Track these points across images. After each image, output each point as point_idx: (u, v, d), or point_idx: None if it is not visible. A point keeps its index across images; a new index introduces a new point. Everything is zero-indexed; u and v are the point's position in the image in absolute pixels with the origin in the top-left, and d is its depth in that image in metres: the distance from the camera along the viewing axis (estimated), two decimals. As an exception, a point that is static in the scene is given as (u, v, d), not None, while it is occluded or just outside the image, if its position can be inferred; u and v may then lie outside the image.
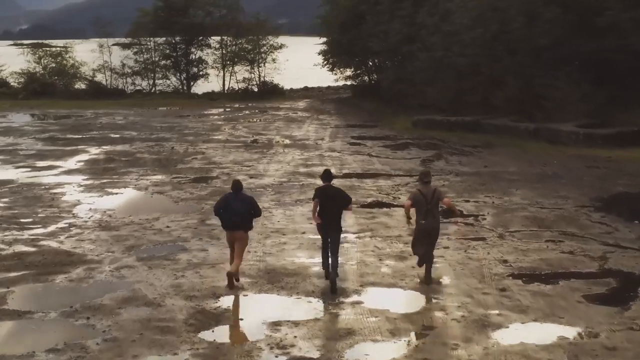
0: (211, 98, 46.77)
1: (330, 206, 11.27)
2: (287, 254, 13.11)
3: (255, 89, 48.13)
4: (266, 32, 48.95)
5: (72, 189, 19.19)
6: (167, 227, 15.16)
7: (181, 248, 13.57)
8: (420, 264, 11.38)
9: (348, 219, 15.35)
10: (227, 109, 41.44)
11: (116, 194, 18.73)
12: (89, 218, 16.00)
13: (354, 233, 14.38)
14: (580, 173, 21.00)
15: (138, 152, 25.71)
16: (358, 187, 19.12)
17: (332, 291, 10.90)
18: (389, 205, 16.90)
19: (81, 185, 19.72)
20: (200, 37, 51.21)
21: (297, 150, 25.99)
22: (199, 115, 37.79)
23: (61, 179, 20.66)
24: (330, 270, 11.15)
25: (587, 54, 28.78)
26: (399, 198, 17.64)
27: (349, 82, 48.76)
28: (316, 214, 11.32)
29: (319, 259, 12.19)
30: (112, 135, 30.11)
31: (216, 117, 37.43)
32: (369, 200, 17.59)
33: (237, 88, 49.28)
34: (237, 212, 11.25)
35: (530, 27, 29.86)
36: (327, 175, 11.66)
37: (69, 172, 21.89)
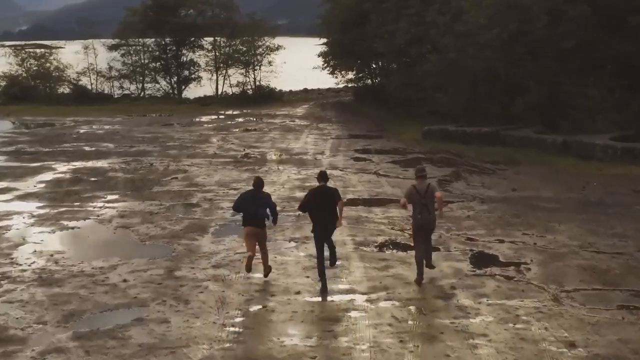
0: (203, 103, 43.53)
1: (324, 208, 11.24)
2: (274, 329, 9.82)
3: (250, 94, 44.77)
4: (262, 33, 45.67)
5: (20, 222, 15.90)
6: (124, 281, 11.86)
7: (136, 317, 10.27)
8: (419, 279, 11.44)
9: (355, 271, 12.10)
10: (219, 116, 38.16)
11: (72, 228, 15.45)
12: (29, 266, 12.71)
13: (363, 293, 11.08)
14: (629, 199, 17.71)
15: (111, 169, 22.43)
16: (366, 219, 15.84)
17: (331, 263, 11.62)
18: (405, 248, 13.59)
19: (33, 216, 16.42)
20: (192, 38, 48.01)
21: (294, 167, 22.72)
22: (188, 124, 34.51)
23: (11, 207, 17.36)
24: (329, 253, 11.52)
25: (619, 57, 25.55)
26: (417, 236, 14.38)
27: (350, 85, 45.54)
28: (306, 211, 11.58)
29: (319, 340, 8.99)
30: (86, 149, 26.82)
31: (206, 125, 34.12)
32: (380, 239, 14.29)
33: (231, 92, 46.03)
34: (257, 209, 11.45)
35: (554, 27, 26.61)
36: (323, 176, 11.59)
37: (24, 197, 18.59)
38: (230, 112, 40.35)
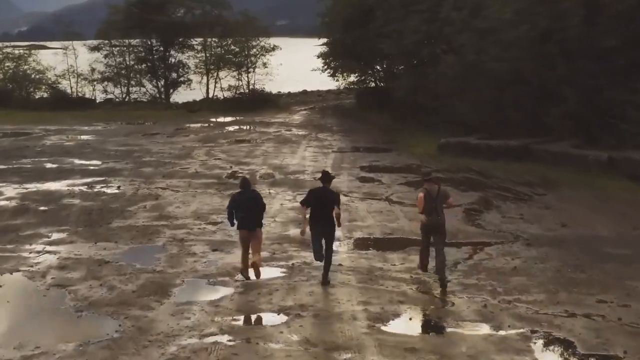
0: (191, 109, 39.66)
1: (324, 208, 11.05)
2: None
3: (243, 99, 40.87)
4: (256, 32, 41.78)
5: None
6: (31, 392, 8.03)
7: None
8: (422, 266, 11.65)
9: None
10: (208, 124, 34.30)
11: (-10, 287, 11.60)
12: None
13: None
14: None
15: (69, 194, 18.56)
16: (380, 273, 12.00)
17: (323, 281, 11.16)
18: (440, 327, 9.73)
19: (-57, 267, 12.58)
20: (181, 38, 44.11)
21: (289, 191, 18.90)
22: (171, 134, 30.63)
23: None
24: (324, 260, 11.18)
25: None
26: (453, 303, 10.55)
27: (352, 87, 41.69)
28: (307, 221, 11.19)
29: None
30: (47, 166, 22.98)
31: (192, 135, 30.21)
32: (403, 310, 10.41)
33: (222, 97, 42.16)
34: (250, 211, 11.29)
35: (593, 23, 22.84)
36: (325, 177, 11.47)
37: (-55, 236, 14.75)
38: (220, 119, 36.52)
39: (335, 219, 11.13)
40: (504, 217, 16.10)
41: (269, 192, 18.46)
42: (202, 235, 14.51)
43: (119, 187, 19.39)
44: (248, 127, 33.08)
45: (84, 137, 29.75)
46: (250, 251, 11.52)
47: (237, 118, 36.42)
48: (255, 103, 40.02)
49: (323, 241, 11.26)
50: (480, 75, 26.08)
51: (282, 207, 17.04)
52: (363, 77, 38.68)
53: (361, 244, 13.93)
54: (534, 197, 18.12)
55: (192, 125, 33.87)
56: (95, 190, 19.12)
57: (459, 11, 27.23)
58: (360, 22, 34.08)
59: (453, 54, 26.93)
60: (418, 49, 29.56)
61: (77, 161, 23.78)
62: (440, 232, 11.44)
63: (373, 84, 38.31)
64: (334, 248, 11.84)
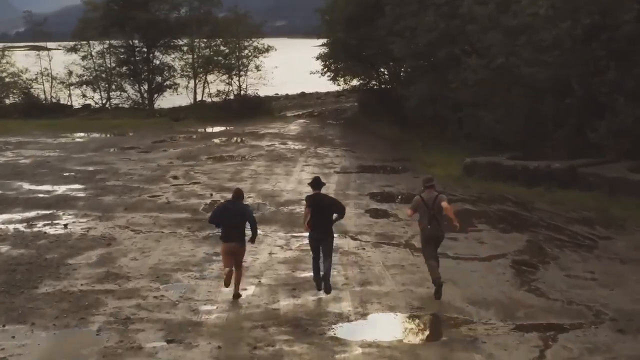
0: (176, 118, 35.48)
1: (322, 215, 10.77)
2: None
3: (234, 106, 36.72)
4: (248, 32, 37.62)
5: None
6: None
7: None
8: (437, 288, 10.66)
9: None
10: (191, 136, 30.11)
11: None
12: None
13: None
14: None
15: (-3, 237, 14.42)
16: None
17: (326, 291, 10.73)
18: None
19: None
20: (167, 39, 39.94)
21: (281, 231, 14.81)
22: (148, 148, 26.50)
23: None
24: (323, 274, 10.71)
25: None
26: None
27: (353, 87, 37.61)
28: (307, 222, 10.83)
29: None
30: (-14, 193, 18.83)
31: (171, 150, 26.05)
32: None
33: (211, 103, 38.02)
34: (235, 224, 10.63)
35: (651, 20, 18.90)
36: (316, 183, 11.04)
37: None
38: (206, 129, 32.44)
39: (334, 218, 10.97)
40: (569, 277, 11.95)
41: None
42: (157, 310, 10.35)
43: (65, 226, 15.22)
44: (237, 139, 28.93)
45: (45, 152, 25.54)
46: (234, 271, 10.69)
47: (226, 128, 32.33)
48: (247, 110, 35.89)
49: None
50: (511, 81, 22.06)
51: (271, 259, 12.90)
52: (367, 81, 34.39)
53: (381, 328, 9.79)
54: (598, 243, 13.96)
55: (173, 136, 29.70)
56: (35, 230, 14.95)
57: (483, 5, 23.17)
58: (366, 19, 30.00)
59: (477, 56, 22.87)
60: (434, 50, 25.42)
61: (26, 186, 19.60)
62: (439, 240, 11.06)
63: (379, 89, 33.96)
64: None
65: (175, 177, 20.67)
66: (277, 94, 51.29)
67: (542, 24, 20.91)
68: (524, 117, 21.49)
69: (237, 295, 10.70)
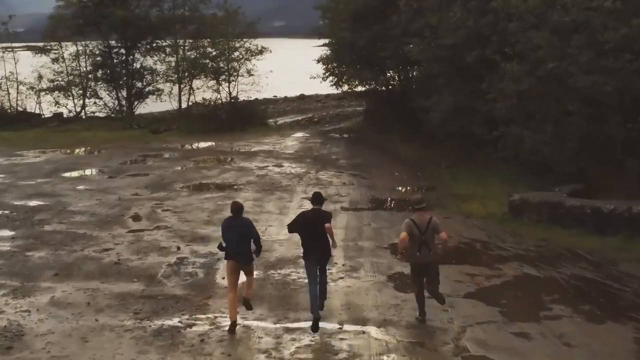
0: (155, 130, 30.84)
1: (317, 236, 9.93)
2: None
3: (223, 116, 32.08)
4: (240, 32, 32.97)
5: None
6: None
7: None
8: (420, 313, 9.98)
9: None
10: (169, 155, 25.41)
11: None
12: None
13: None
14: None
15: None
16: None
17: (320, 308, 9.91)
18: None
19: None
20: (149, 38, 35.29)
21: (269, 318, 10.17)
22: (114, 171, 21.87)
23: None
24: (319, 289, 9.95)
25: None
26: None
27: (358, 88, 32.89)
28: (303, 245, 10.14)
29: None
30: None
31: (141, 176, 21.38)
32: None
33: (196, 113, 33.38)
34: (239, 240, 9.79)
35: None
36: (317, 199, 10.30)
37: None
38: (188, 145, 27.82)
39: (329, 238, 9.96)
40: None
41: (239, 323, 9.72)
42: None
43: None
44: (223, 159, 24.25)
45: (-13, 176, 20.95)
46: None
47: (212, 143, 27.68)
48: (238, 121, 31.27)
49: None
50: (564, 93, 17.44)
51: (251, 382, 8.29)
52: (378, 89, 29.57)
53: None
54: None
55: (148, 155, 25.05)
56: None
57: (525, -2, 18.61)
58: (377, 16, 25.36)
59: (518, 61, 18.27)
60: (461, 52, 20.80)
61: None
62: (432, 271, 9.87)
63: (392, 98, 29.13)
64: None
65: (136, 218, 16.02)
66: (276, 96, 48.46)
67: (606, 21, 16.32)
68: (580, 139, 16.87)
69: (247, 301, 9.86)
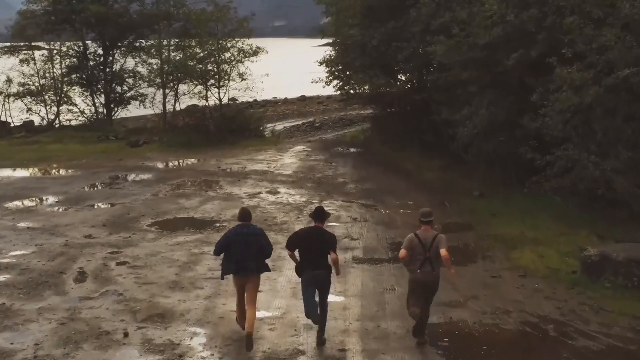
0: (135, 143, 26.78)
1: (316, 256, 8.92)
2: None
3: (211, 126, 28.04)
4: (231, 29, 28.91)
5: None
6: None
7: None
8: (416, 333, 9.24)
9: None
10: (144, 176, 21.32)
11: None
12: None
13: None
14: None
15: None
16: None
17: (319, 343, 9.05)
18: None
19: None
20: (132, 36, 31.26)
21: None
22: (72, 201, 17.72)
23: None
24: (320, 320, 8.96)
25: None
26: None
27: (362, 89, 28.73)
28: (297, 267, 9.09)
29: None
30: None
31: (102, 206, 17.30)
32: None
33: (182, 122, 29.36)
34: (249, 251, 8.98)
35: None
36: (319, 215, 9.20)
37: None
38: (170, 162, 23.78)
39: (333, 266, 9.04)
40: None
41: None
42: None
43: None
44: (207, 182, 20.13)
45: None
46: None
47: (196, 161, 23.65)
48: (229, 133, 27.28)
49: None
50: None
51: None
52: (391, 98, 25.30)
53: None
54: None
55: (118, 177, 20.99)
56: None
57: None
58: (393, 10, 21.33)
59: (579, 66, 14.25)
60: (500, 54, 16.77)
61: None
62: (432, 291, 9.18)
63: (409, 106, 24.83)
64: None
65: (80, 278, 11.95)
66: (276, 97, 46.61)
67: None
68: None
69: (249, 337, 8.76)
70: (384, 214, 16.16)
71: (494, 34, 16.90)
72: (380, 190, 18.65)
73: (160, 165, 23.04)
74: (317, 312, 8.91)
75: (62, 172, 21.87)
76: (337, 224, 15.21)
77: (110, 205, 17.21)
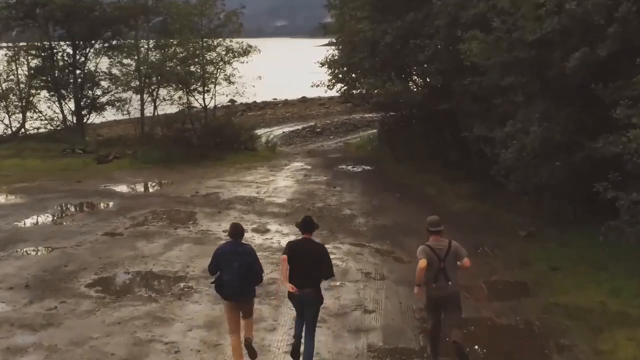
0: (104, 158, 22.82)
1: (306, 268, 8.04)
2: None
3: (193, 138, 24.07)
4: (217, 24, 24.92)
5: None
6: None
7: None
8: (432, 354, 8.35)
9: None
10: (102, 203, 17.29)
11: None
12: None
13: None
14: None
15: None
16: None
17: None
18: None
19: None
20: (105, 35, 27.28)
21: None
22: (5, 242, 13.72)
23: None
24: (304, 347, 8.06)
25: None
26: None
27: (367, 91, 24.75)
28: (287, 277, 8.08)
29: None
30: None
31: (33, 255, 13.27)
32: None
33: (160, 133, 25.42)
34: (239, 273, 8.10)
35: None
36: (306, 224, 8.30)
37: None
38: (137, 185, 19.78)
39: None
40: None
41: None
42: None
43: None
44: (179, 213, 16.06)
45: None
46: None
47: (170, 181, 19.64)
48: (214, 146, 23.37)
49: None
50: None
51: None
52: (407, 108, 21.16)
53: None
54: None
55: (68, 206, 16.99)
56: None
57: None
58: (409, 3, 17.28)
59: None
60: (555, 54, 12.76)
61: None
62: (452, 305, 8.20)
63: (429, 118, 20.68)
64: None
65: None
66: (275, 98, 45.25)
67: None
68: None
69: (249, 343, 8.30)
70: (406, 267, 12.09)
71: (547, 27, 12.82)
72: (397, 228, 14.61)
73: (125, 189, 18.99)
74: (301, 333, 8.12)
75: (3, 198, 17.81)
76: (346, 283, 11.20)
77: (46, 251, 13.18)
